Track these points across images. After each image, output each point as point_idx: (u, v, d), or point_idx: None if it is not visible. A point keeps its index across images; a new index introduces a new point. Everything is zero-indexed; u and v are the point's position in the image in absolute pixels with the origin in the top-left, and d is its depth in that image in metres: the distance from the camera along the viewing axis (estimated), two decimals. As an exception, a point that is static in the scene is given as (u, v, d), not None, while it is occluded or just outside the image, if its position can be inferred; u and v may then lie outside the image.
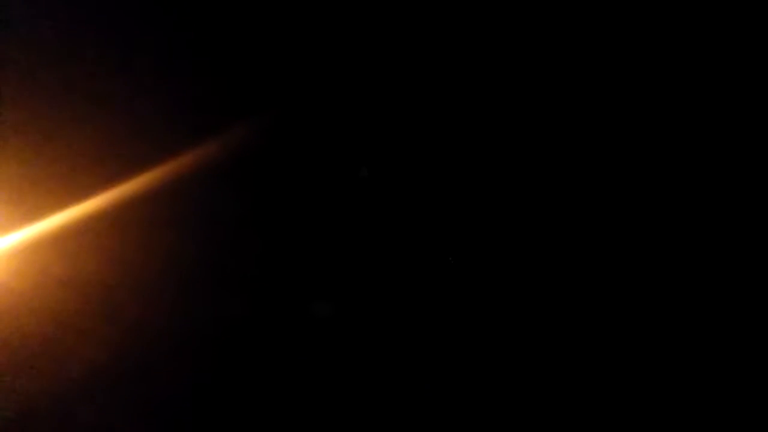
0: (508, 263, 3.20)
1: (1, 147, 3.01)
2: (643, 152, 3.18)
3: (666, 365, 3.12)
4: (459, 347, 3.19)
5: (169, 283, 3.18)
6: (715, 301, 3.12)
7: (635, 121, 3.18)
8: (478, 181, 3.23)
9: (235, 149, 3.16)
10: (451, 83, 3.24)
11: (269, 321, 3.21)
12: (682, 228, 3.17)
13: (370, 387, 3.19)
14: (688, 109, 3.16)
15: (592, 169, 3.20)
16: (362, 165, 3.17)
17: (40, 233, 3.07)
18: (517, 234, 3.21)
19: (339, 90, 3.22)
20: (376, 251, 3.18)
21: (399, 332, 3.21)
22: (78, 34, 3.08)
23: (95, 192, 3.09)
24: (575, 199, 3.20)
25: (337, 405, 3.18)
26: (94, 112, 3.08)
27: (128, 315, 3.18)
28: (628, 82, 3.17)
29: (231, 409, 3.17)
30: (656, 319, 3.15)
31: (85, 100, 3.08)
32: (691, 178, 3.16)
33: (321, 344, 3.20)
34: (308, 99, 3.22)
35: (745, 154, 3.14)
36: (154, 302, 3.18)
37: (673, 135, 3.17)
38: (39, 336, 3.17)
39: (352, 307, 3.21)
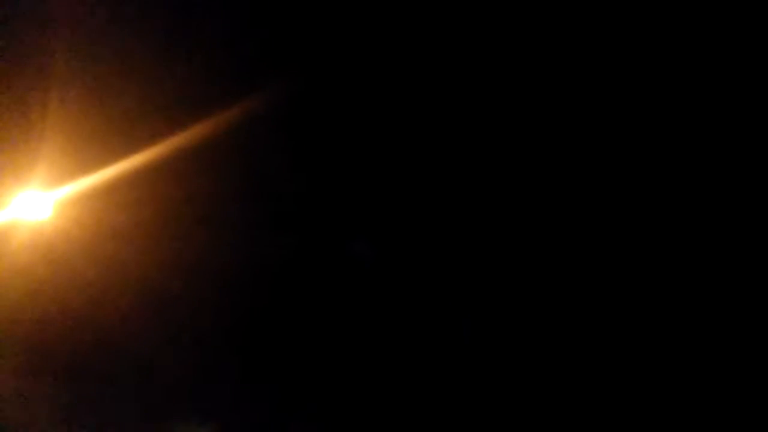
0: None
1: (61, 98, 3.15)
2: (643, 152, 3.20)
3: (665, 364, 3.24)
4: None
5: (221, 230, 3.34)
6: (714, 300, 3.18)
7: (634, 120, 3.20)
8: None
9: (279, 102, 3.31)
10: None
11: (312, 261, 3.37)
12: (681, 227, 3.24)
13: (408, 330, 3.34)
14: (688, 109, 3.14)
15: (591, 168, 3.29)
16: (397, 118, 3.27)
17: (97, 183, 3.21)
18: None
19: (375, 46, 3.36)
20: (414, 191, 3.34)
21: (436, 272, 3.38)
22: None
23: (149, 144, 3.23)
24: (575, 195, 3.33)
25: (375, 346, 3.35)
26: (151, 67, 3.23)
27: (181, 262, 3.34)
28: (628, 82, 3.15)
29: (277, 342, 3.34)
30: (655, 318, 3.27)
31: (141, 56, 3.23)
32: (690, 178, 3.18)
33: (361, 285, 3.37)
34: (347, 56, 3.37)
35: (745, 154, 3.13)
36: (207, 250, 3.34)
37: (672, 135, 3.17)
38: (96, 283, 3.32)
39: (392, 247, 3.38)
